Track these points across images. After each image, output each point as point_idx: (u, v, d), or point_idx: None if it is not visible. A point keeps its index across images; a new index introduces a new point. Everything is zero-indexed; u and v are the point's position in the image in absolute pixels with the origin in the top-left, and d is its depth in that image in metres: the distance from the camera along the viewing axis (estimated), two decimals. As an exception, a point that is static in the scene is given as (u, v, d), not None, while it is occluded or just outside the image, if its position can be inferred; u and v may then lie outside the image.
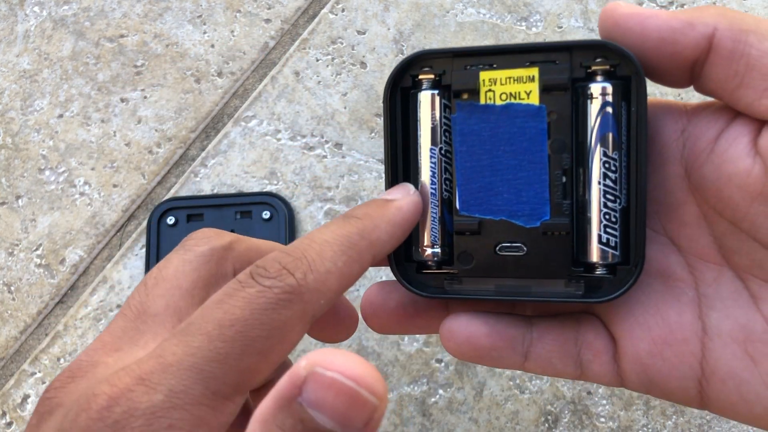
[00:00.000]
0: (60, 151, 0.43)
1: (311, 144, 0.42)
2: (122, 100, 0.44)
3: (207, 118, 0.43)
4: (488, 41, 0.43)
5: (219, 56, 0.44)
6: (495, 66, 0.24)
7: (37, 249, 0.42)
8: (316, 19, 0.44)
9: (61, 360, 0.39)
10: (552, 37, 0.43)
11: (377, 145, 0.42)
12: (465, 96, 0.24)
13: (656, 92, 0.41)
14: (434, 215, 0.25)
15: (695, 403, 0.24)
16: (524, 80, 0.23)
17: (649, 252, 0.24)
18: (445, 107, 0.25)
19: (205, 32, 0.45)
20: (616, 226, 0.23)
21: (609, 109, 0.23)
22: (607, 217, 0.23)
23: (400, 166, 0.25)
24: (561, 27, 0.43)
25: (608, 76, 0.23)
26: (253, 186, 0.41)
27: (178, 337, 0.20)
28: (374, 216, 0.23)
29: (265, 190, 0.41)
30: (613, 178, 0.23)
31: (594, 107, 0.23)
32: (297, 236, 0.40)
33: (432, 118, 0.25)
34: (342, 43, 0.44)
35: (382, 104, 0.27)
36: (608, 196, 0.23)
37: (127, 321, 0.22)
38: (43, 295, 0.41)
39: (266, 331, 0.20)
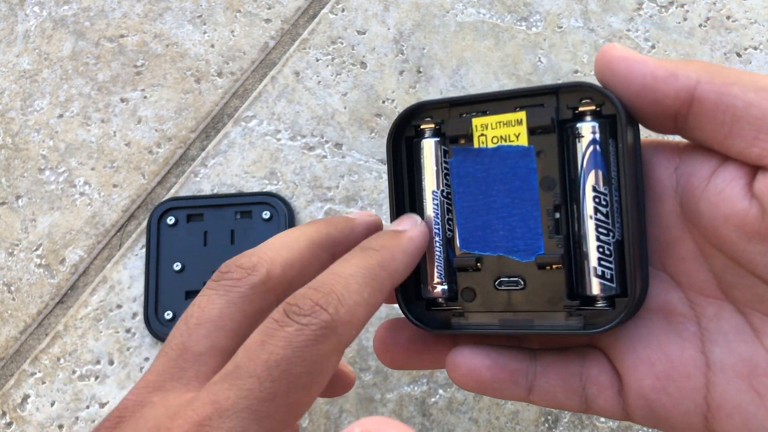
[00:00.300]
0: (60, 151, 0.43)
1: (311, 144, 0.42)
2: (122, 100, 0.44)
3: (207, 118, 0.43)
4: (488, 41, 0.43)
5: (219, 56, 0.44)
6: (487, 112, 0.25)
7: (37, 249, 0.42)
8: (316, 19, 0.44)
9: (61, 360, 0.40)
10: (552, 37, 0.43)
11: (377, 145, 0.42)
12: (462, 142, 0.26)
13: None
14: (439, 254, 0.26)
15: None
16: (513, 124, 0.25)
17: (650, 288, 0.25)
18: (444, 153, 0.27)
19: (205, 32, 0.45)
20: (611, 259, 0.24)
21: (596, 147, 0.24)
22: (601, 250, 0.24)
23: (406, 208, 0.27)
24: (561, 27, 0.43)
25: (595, 116, 0.24)
26: (253, 186, 0.41)
27: (229, 380, 0.21)
28: (390, 247, 0.25)
29: (265, 190, 0.41)
30: (605, 212, 0.24)
31: (582, 145, 0.24)
32: (297, 236, 0.41)
33: (434, 163, 0.27)
34: (342, 43, 0.44)
35: (385, 151, 0.30)
36: (601, 229, 0.24)
37: (170, 359, 0.23)
38: (43, 295, 0.41)
39: (308, 366, 0.21)
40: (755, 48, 0.42)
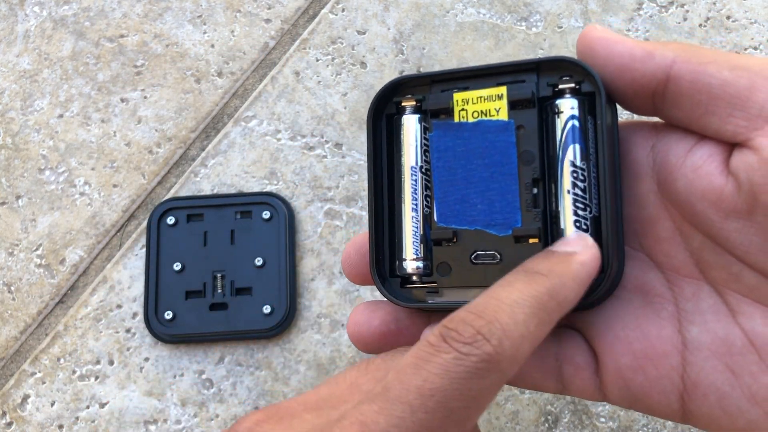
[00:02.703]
0: (60, 151, 0.43)
1: (311, 144, 0.42)
2: (122, 100, 0.44)
3: (207, 118, 0.43)
4: (488, 41, 0.43)
5: (219, 56, 0.44)
6: (468, 88, 0.25)
7: (37, 249, 0.42)
8: (316, 19, 0.44)
9: (61, 360, 0.40)
10: (552, 37, 0.43)
11: (377, 145, 0.42)
12: (442, 116, 0.26)
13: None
14: (416, 230, 0.26)
15: (678, 417, 0.24)
16: (494, 98, 0.25)
17: (627, 268, 0.25)
18: (424, 129, 0.26)
19: (205, 32, 0.45)
20: (588, 234, 0.24)
21: (575, 123, 0.24)
22: (578, 224, 0.24)
23: (384, 184, 0.27)
24: (561, 27, 0.43)
25: (575, 93, 0.24)
26: (253, 186, 0.41)
27: (379, 403, 0.19)
28: (560, 273, 0.22)
29: (265, 190, 0.41)
30: (582, 187, 0.24)
31: (560, 121, 0.24)
32: (297, 236, 0.40)
33: (413, 139, 0.26)
34: (342, 43, 0.44)
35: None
36: (578, 204, 0.24)
37: (333, 389, 0.23)
38: (43, 295, 0.41)
39: (465, 401, 0.19)
40: (755, 48, 0.42)
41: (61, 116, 0.44)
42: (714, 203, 0.22)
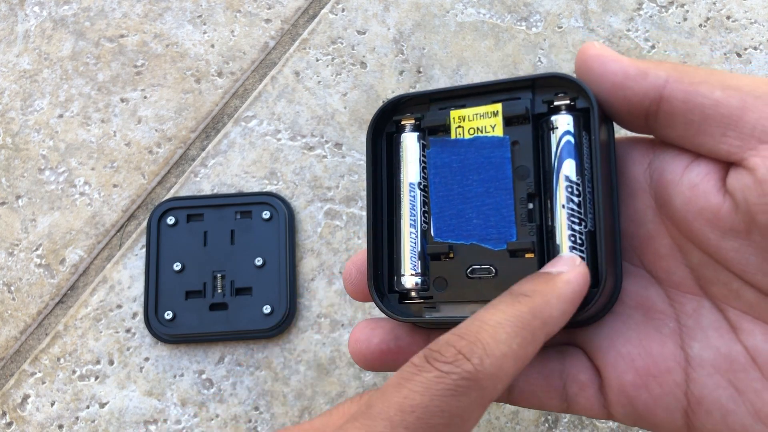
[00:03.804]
0: (60, 151, 0.43)
1: (311, 144, 0.42)
2: (122, 100, 0.44)
3: (207, 118, 0.43)
4: (488, 41, 0.43)
5: (219, 56, 0.44)
6: (466, 105, 0.26)
7: (37, 249, 0.42)
8: (316, 19, 0.44)
9: (61, 360, 0.40)
10: (552, 37, 0.43)
11: (377, 145, 0.42)
12: (440, 134, 0.26)
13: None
14: (414, 245, 0.26)
15: None
16: (489, 115, 0.25)
17: (628, 285, 0.25)
18: (423, 147, 0.27)
19: (205, 32, 0.45)
20: (583, 248, 0.24)
21: (570, 138, 0.24)
22: (572, 239, 0.24)
23: (383, 201, 0.27)
24: (561, 27, 0.43)
25: (570, 110, 0.25)
26: (253, 186, 0.41)
27: (361, 420, 0.20)
28: (544, 292, 0.22)
29: (265, 190, 0.41)
30: (577, 201, 0.24)
31: (555, 137, 0.24)
32: (297, 236, 0.40)
33: (413, 156, 0.27)
34: (342, 43, 0.44)
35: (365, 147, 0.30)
36: (573, 218, 0.24)
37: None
38: (43, 295, 0.41)
39: (446, 419, 0.20)
40: (755, 48, 0.42)
41: (61, 116, 0.44)
42: (711, 222, 0.23)
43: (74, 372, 0.39)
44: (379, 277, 0.26)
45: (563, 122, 0.24)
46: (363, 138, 0.42)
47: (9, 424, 0.39)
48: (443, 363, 0.20)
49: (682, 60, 0.42)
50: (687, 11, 0.43)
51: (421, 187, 0.27)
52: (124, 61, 0.44)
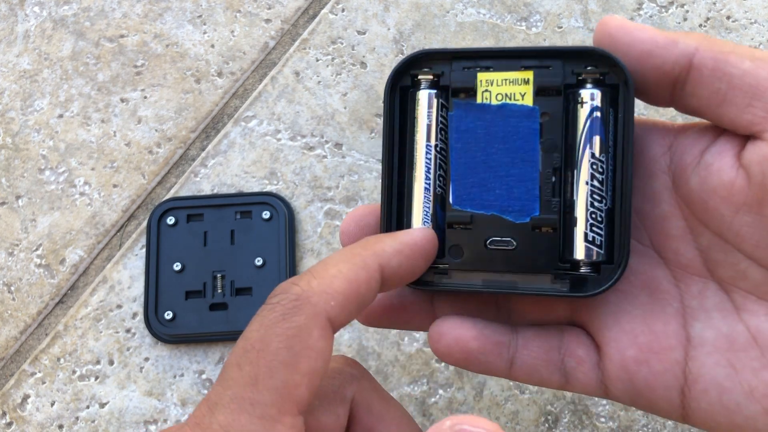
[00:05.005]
0: (60, 151, 0.43)
1: (311, 144, 0.42)
2: (122, 100, 0.44)
3: (207, 118, 0.43)
4: (488, 41, 0.43)
5: (219, 56, 0.44)
6: (491, 68, 0.25)
7: (37, 249, 0.42)
8: (316, 19, 0.44)
9: (61, 360, 0.40)
10: (552, 37, 0.43)
11: (377, 145, 0.42)
12: (462, 96, 0.25)
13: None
14: (427, 209, 0.25)
15: (677, 414, 0.25)
16: (519, 83, 0.24)
17: (636, 264, 0.25)
18: (442, 107, 0.26)
19: (205, 32, 0.45)
20: (602, 226, 0.24)
21: (597, 114, 0.24)
22: (593, 216, 0.24)
23: (396, 160, 0.26)
24: (561, 27, 0.43)
25: (598, 84, 0.24)
26: (253, 186, 0.41)
27: (219, 378, 0.21)
28: (378, 234, 0.24)
29: (265, 190, 0.41)
30: (600, 179, 0.24)
31: (583, 112, 0.24)
32: (297, 236, 0.41)
33: (429, 115, 0.25)
34: (342, 43, 0.44)
35: (382, 103, 0.28)
36: (595, 196, 0.24)
37: None
38: (43, 295, 0.41)
39: (284, 341, 0.20)
40: (755, 48, 0.42)
41: (61, 116, 0.44)
42: (725, 198, 0.23)
43: (74, 372, 0.39)
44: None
45: (594, 97, 0.24)
46: (363, 138, 0.42)
47: (9, 424, 0.39)
48: (275, 296, 0.21)
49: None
50: (687, 11, 0.43)
51: (438, 149, 0.26)
52: (124, 61, 0.44)
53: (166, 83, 0.44)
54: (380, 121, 0.42)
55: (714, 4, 0.43)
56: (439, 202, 0.26)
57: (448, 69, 0.25)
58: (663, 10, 0.43)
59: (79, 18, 0.46)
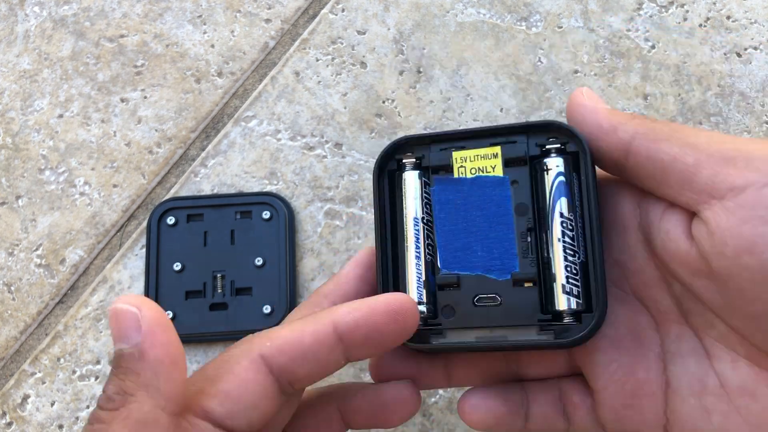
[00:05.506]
0: (60, 151, 0.43)
1: (311, 144, 0.42)
2: (122, 100, 0.44)
3: (207, 118, 0.43)
4: (488, 41, 0.43)
5: (219, 56, 0.44)
6: (465, 147, 0.29)
7: (37, 249, 0.42)
8: (316, 19, 0.44)
9: (61, 360, 0.39)
10: (552, 37, 0.43)
11: (377, 145, 0.42)
12: (442, 172, 0.29)
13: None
14: (419, 276, 0.28)
15: None
16: (489, 157, 0.28)
17: (621, 311, 0.27)
18: (425, 184, 0.29)
19: (205, 32, 0.45)
20: (578, 278, 0.26)
21: (562, 178, 0.27)
22: (569, 269, 0.26)
23: (388, 234, 0.29)
24: (561, 27, 0.43)
25: (560, 152, 0.27)
26: (253, 186, 0.41)
27: None
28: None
29: (265, 190, 0.41)
30: (571, 235, 0.26)
31: (549, 178, 0.27)
32: (297, 236, 0.41)
33: (415, 192, 0.29)
34: (342, 43, 0.44)
35: (371, 185, 0.33)
36: (568, 251, 0.26)
37: None
38: (43, 295, 0.41)
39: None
40: (755, 48, 0.42)
41: (61, 116, 0.44)
42: (683, 264, 0.25)
43: (74, 372, 0.39)
44: None
45: (555, 164, 0.27)
46: (363, 138, 0.42)
47: (9, 424, 0.39)
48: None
49: (682, 60, 0.42)
50: (687, 11, 0.43)
51: (424, 221, 0.29)
52: (124, 61, 0.44)
53: (166, 83, 0.44)
54: (380, 121, 0.42)
55: (714, 4, 0.43)
56: (430, 268, 0.28)
57: (427, 152, 0.29)
58: (663, 10, 0.43)
59: (79, 18, 0.46)
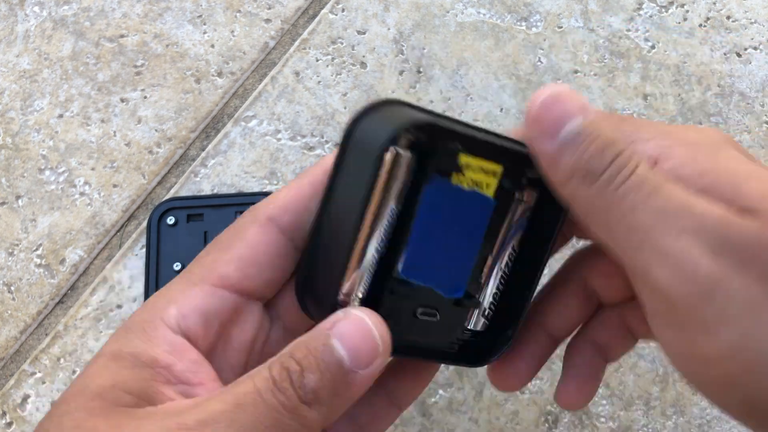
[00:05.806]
0: (60, 151, 0.43)
1: (311, 144, 0.42)
2: (122, 100, 0.44)
3: (207, 118, 0.43)
4: (488, 41, 0.43)
5: (219, 56, 0.44)
6: (472, 150, 0.25)
7: (37, 249, 0.42)
8: (316, 19, 0.44)
9: (61, 360, 0.40)
10: (552, 37, 0.43)
11: (377, 145, 0.42)
12: (438, 171, 0.24)
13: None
14: (372, 272, 0.24)
15: None
16: (489, 173, 0.26)
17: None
18: (414, 173, 0.24)
19: (205, 32, 0.45)
20: (501, 306, 0.27)
21: (528, 214, 0.26)
22: (495, 296, 0.27)
23: (346, 212, 0.25)
24: (561, 27, 0.43)
25: (534, 185, 0.26)
26: (253, 186, 0.41)
27: None
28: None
29: (265, 190, 0.41)
30: (512, 267, 0.27)
31: (518, 208, 0.26)
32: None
33: (391, 177, 0.24)
34: (342, 43, 0.44)
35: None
36: (502, 280, 0.27)
37: None
38: (43, 295, 0.41)
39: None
40: (755, 48, 0.42)
41: (61, 116, 0.44)
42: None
43: (74, 372, 0.39)
44: (318, 289, 0.25)
45: (530, 197, 0.26)
46: (363, 138, 0.42)
47: (9, 424, 0.39)
48: None
49: (681, 60, 0.42)
50: (687, 11, 0.43)
51: (393, 213, 0.24)
52: (124, 61, 0.44)
53: (166, 83, 0.44)
54: (380, 121, 0.42)
55: (714, 4, 0.43)
56: (384, 265, 0.25)
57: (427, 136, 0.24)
58: (663, 10, 0.43)
59: (79, 18, 0.46)
